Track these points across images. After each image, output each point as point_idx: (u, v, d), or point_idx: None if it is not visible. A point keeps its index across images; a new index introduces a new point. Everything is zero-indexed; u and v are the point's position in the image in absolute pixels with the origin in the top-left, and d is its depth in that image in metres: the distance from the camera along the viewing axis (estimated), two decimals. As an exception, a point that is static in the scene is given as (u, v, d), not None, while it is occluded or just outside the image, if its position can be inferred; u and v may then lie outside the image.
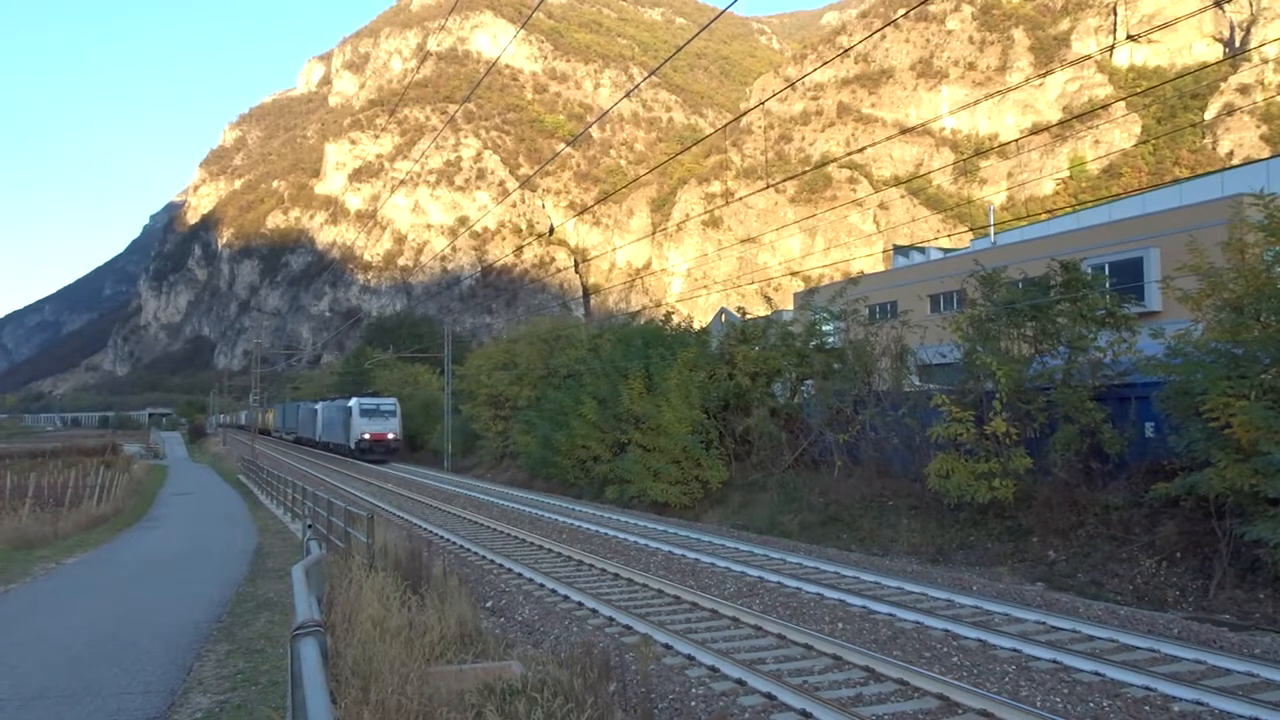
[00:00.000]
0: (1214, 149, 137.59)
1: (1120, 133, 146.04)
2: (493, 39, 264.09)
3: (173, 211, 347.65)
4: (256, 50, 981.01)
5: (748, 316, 27.51)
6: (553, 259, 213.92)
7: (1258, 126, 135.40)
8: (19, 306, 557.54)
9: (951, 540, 16.34)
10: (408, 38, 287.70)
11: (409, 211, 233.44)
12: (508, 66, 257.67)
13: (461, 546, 17.94)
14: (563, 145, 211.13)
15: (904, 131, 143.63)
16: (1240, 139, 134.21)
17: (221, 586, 14.08)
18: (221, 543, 19.94)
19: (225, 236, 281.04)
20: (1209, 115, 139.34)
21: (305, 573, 7.39)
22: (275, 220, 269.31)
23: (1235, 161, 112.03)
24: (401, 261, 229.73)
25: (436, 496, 28.77)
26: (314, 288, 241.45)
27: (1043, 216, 61.58)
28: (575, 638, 10.07)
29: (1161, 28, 21.71)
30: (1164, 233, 26.33)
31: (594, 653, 7.57)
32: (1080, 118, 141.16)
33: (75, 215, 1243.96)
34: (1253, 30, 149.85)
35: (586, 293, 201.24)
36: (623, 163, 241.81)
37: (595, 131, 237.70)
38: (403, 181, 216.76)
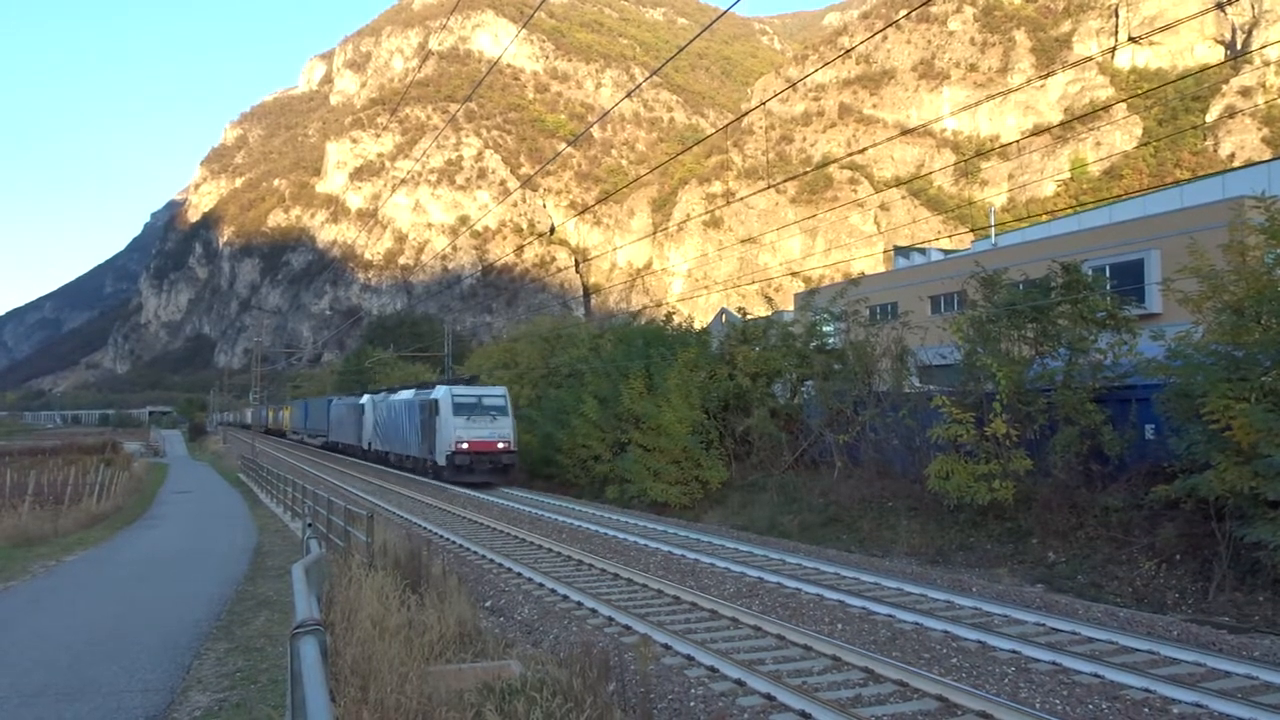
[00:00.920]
0: (1215, 151, 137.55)
1: (1121, 134, 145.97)
2: (494, 38, 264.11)
3: (174, 209, 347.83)
4: (258, 49, 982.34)
5: (748, 317, 27.52)
6: (553, 258, 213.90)
7: (1259, 129, 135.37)
8: (19, 304, 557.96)
9: (951, 541, 16.34)
10: (409, 37, 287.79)
11: (410, 210, 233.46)
12: (509, 66, 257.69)
13: (461, 546, 17.94)
14: (564, 145, 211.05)
15: (905, 132, 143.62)
16: (1241, 141, 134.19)
17: (221, 585, 14.08)
18: (221, 541, 19.94)
19: (226, 235, 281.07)
20: (1210, 117, 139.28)
21: (305, 571, 7.40)
22: (276, 219, 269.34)
23: (1236, 164, 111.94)
24: (402, 260, 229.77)
25: (436, 496, 28.77)
26: (315, 286, 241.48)
27: (1043, 218, 61.56)
28: (574, 637, 10.07)
29: (1163, 29, 21.68)
30: (1165, 235, 26.32)
31: (593, 652, 7.57)
32: (1081, 119, 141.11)
33: (76, 213, 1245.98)
34: (1254, 33, 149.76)
35: (587, 292, 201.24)
36: (624, 163, 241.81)
37: (596, 131, 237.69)
38: (404, 180, 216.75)
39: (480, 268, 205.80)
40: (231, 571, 15.42)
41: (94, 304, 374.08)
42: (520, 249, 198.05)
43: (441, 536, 19.20)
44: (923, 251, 50.58)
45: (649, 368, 26.81)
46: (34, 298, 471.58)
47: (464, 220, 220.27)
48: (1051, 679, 8.46)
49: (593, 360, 32.46)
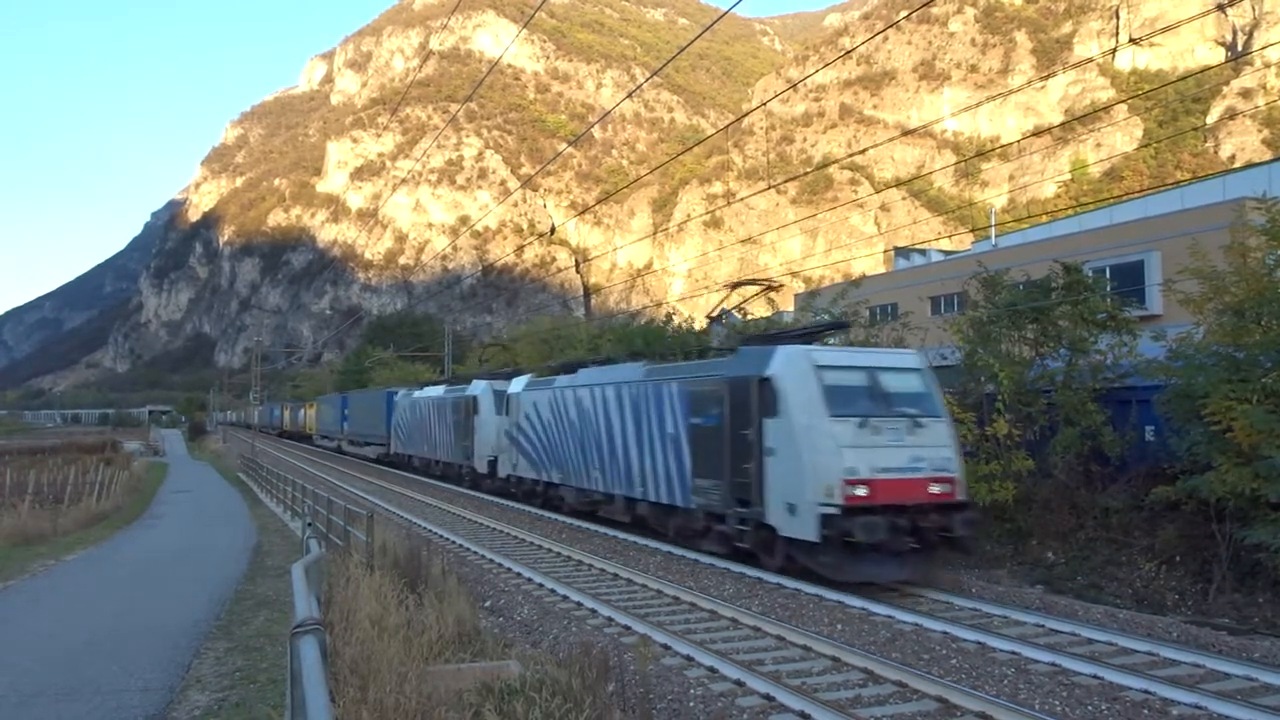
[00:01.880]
0: (1216, 152, 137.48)
1: (1122, 136, 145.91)
2: (495, 38, 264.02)
3: (174, 209, 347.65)
4: (258, 48, 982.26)
5: (749, 318, 27.45)
6: (554, 259, 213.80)
7: (1260, 130, 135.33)
8: (19, 303, 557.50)
9: (951, 542, 16.30)
10: (410, 36, 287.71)
11: (410, 210, 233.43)
12: (510, 66, 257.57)
13: (461, 546, 17.94)
14: (564, 145, 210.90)
15: (905, 133, 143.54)
16: (1242, 143, 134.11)
17: (221, 584, 14.08)
18: (221, 540, 19.94)
19: (226, 234, 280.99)
20: (1211, 119, 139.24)
21: (305, 571, 7.40)
22: (276, 218, 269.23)
23: (1237, 165, 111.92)
24: (402, 260, 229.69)
25: (436, 495, 28.75)
26: (315, 286, 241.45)
27: (1044, 219, 61.57)
28: (574, 637, 10.06)
29: (1164, 31, 21.71)
30: (1165, 236, 26.32)
31: (592, 652, 7.57)
32: (1082, 120, 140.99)
33: (76, 212, 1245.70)
34: (1255, 34, 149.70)
35: (587, 292, 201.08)
36: (624, 163, 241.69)
37: (597, 132, 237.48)
38: (404, 180, 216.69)
39: (480, 268, 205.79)
40: (231, 571, 15.42)
41: (94, 303, 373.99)
42: (520, 249, 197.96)
43: (441, 536, 19.19)
44: (923, 252, 50.57)
45: (649, 368, 26.67)
46: (34, 297, 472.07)
47: (464, 220, 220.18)
48: (1051, 680, 8.45)
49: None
